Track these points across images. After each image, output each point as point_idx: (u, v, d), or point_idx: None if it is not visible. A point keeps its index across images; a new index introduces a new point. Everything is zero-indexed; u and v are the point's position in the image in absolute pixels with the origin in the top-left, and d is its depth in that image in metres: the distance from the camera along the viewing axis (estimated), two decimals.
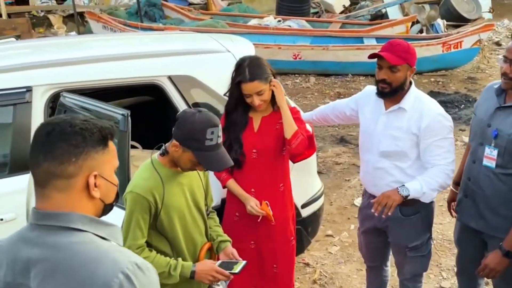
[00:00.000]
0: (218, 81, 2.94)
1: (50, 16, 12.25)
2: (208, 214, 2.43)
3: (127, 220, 2.10)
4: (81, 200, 1.25)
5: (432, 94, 7.61)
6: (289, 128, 2.58)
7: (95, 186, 1.25)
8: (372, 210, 2.45)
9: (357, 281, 3.70)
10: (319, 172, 5.40)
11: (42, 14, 12.42)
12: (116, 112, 2.21)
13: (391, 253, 2.92)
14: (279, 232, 2.76)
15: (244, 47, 3.31)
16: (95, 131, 1.26)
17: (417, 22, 9.95)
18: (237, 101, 2.61)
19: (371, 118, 2.62)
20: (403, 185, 2.43)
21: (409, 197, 2.41)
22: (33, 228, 1.24)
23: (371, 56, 2.48)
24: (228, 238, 2.42)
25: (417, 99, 2.51)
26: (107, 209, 1.33)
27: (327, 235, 4.29)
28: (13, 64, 2.87)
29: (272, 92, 2.60)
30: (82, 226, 1.22)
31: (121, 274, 1.15)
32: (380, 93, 2.51)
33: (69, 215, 1.22)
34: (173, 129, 2.10)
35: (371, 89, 2.67)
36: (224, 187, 2.76)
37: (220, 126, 2.11)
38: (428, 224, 2.68)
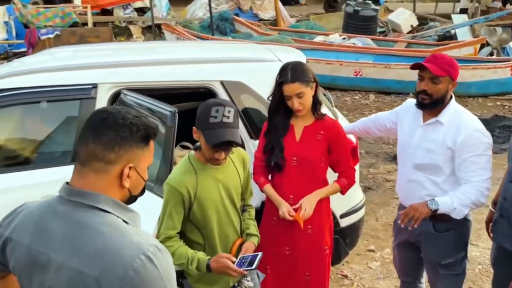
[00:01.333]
0: (268, 88, 3.06)
1: (131, 27, 13.18)
2: (244, 209, 2.54)
3: (163, 210, 2.27)
4: (112, 186, 1.35)
5: (497, 118, 7.36)
6: (336, 192, 2.78)
7: (128, 176, 1.35)
8: (399, 222, 2.47)
9: None
10: (368, 188, 5.43)
11: (124, 24, 13.37)
12: (165, 109, 2.42)
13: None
14: (314, 241, 2.78)
15: (296, 58, 3.44)
16: (141, 128, 1.36)
17: (488, 44, 9.66)
18: (279, 103, 2.67)
19: (408, 130, 2.64)
20: (433, 198, 2.43)
21: (438, 212, 2.41)
22: (63, 202, 1.34)
23: (414, 67, 2.51)
24: (256, 233, 2.50)
25: (456, 113, 2.50)
26: (131, 199, 1.42)
27: (369, 250, 4.28)
28: (82, 63, 3.19)
29: (314, 99, 2.68)
30: (108, 208, 1.32)
31: (143, 256, 1.24)
32: (420, 104, 2.52)
33: (98, 196, 1.32)
34: None
35: (411, 102, 2.68)
36: (262, 191, 2.83)
37: (229, 107, 2.20)
38: (463, 242, 2.64)
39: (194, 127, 2.24)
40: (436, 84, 2.44)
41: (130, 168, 1.35)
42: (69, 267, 1.26)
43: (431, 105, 2.48)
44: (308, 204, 2.62)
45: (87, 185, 1.33)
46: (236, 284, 2.44)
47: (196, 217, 2.31)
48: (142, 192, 1.45)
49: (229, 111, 2.19)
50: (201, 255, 2.25)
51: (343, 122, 3.31)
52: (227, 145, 2.22)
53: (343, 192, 2.79)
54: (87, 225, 1.29)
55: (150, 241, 1.30)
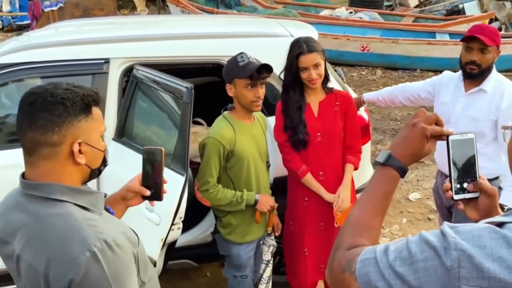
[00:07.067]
0: (279, 64, 3.03)
1: None
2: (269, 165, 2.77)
3: (205, 160, 2.51)
4: (66, 167, 1.28)
5: None
6: (352, 171, 2.81)
7: (80, 153, 1.27)
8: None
9: None
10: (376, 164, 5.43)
11: None
12: (181, 85, 2.39)
13: None
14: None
15: (308, 34, 3.39)
16: (77, 100, 1.26)
17: (497, 19, 9.53)
18: (294, 77, 2.64)
19: (450, 101, 2.72)
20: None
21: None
22: (21, 194, 1.30)
23: (465, 39, 2.58)
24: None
25: (497, 81, 2.60)
26: (94, 173, 1.35)
27: None
28: (94, 37, 3.15)
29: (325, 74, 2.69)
30: (61, 197, 1.25)
31: (88, 252, 1.17)
32: (468, 75, 2.60)
33: (49, 186, 1.25)
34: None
35: (450, 74, 2.82)
36: (301, 180, 2.75)
37: (248, 54, 2.45)
38: None
39: (227, 84, 2.48)
40: (485, 54, 2.54)
41: (80, 144, 1.27)
42: (24, 260, 1.24)
43: (479, 75, 2.58)
44: (345, 196, 2.73)
45: (39, 174, 1.27)
46: (261, 242, 2.74)
47: (233, 169, 2.55)
48: (104, 163, 1.37)
49: (250, 55, 2.44)
50: (246, 191, 2.58)
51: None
52: (265, 69, 2.42)
53: (356, 168, 2.83)
54: (41, 219, 1.24)
55: (100, 235, 1.21)
